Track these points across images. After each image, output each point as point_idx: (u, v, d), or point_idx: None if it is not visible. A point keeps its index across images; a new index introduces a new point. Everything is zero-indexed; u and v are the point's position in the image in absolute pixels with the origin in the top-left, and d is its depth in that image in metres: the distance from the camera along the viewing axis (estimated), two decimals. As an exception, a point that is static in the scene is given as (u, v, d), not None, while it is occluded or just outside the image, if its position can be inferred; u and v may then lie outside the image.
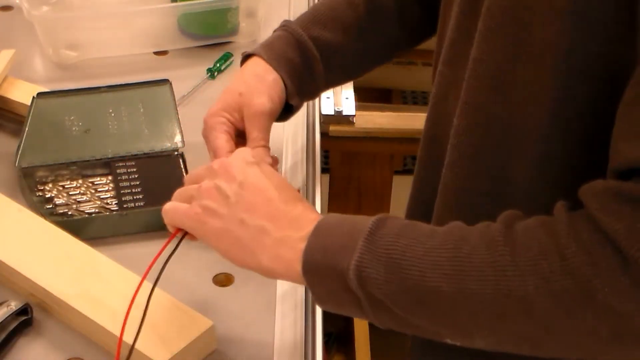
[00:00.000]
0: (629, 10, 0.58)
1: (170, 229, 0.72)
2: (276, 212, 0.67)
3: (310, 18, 0.91)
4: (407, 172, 1.62)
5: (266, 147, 0.83)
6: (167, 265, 0.82)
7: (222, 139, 0.81)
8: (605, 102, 0.61)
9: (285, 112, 0.89)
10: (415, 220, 0.65)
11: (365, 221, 0.64)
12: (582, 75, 0.62)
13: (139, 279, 0.76)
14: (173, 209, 0.71)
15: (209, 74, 1.15)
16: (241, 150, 0.75)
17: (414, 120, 1.38)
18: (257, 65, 0.87)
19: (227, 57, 1.18)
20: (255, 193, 0.68)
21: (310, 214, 0.67)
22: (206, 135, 0.83)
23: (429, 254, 0.60)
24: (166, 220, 0.72)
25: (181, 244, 0.85)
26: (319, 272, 0.64)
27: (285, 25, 0.90)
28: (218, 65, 1.16)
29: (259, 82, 0.85)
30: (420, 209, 0.81)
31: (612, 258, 0.55)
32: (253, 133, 0.83)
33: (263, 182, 0.69)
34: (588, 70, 0.62)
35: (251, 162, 0.71)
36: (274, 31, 0.91)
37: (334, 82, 0.96)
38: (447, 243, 0.61)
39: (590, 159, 0.65)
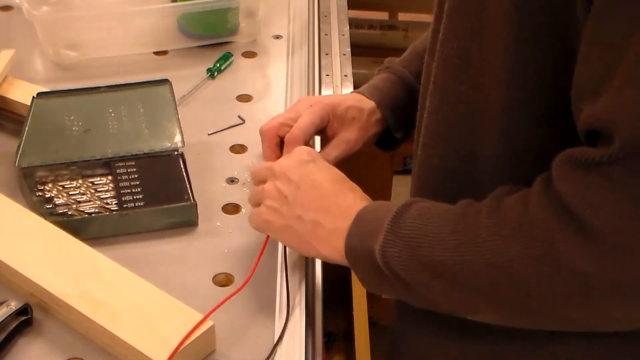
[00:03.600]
0: None
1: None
2: (328, 206, 0.75)
3: (410, 56, 0.98)
4: (407, 172, 1.62)
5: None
6: (167, 266, 0.83)
7: (313, 127, 0.90)
8: (559, 74, 0.64)
9: (393, 143, 0.98)
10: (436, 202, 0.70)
11: (393, 207, 0.70)
12: (533, 47, 0.64)
13: (139, 279, 0.77)
14: (251, 214, 0.81)
15: (209, 74, 1.15)
16: (298, 150, 0.81)
17: (413, 120, 1.38)
18: (374, 109, 0.94)
19: (227, 57, 1.18)
20: (309, 190, 0.76)
21: (358, 204, 0.74)
22: (297, 106, 0.92)
23: (437, 231, 0.66)
24: (253, 226, 0.82)
25: (181, 245, 0.86)
26: (357, 255, 0.71)
27: (389, 67, 0.97)
28: (218, 65, 1.16)
29: (371, 125, 0.93)
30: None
31: (570, 223, 0.58)
32: (337, 150, 0.91)
33: (317, 179, 0.77)
34: (538, 41, 0.64)
35: (306, 161, 0.79)
36: (377, 72, 0.99)
37: None
38: (451, 220, 0.66)
39: (551, 132, 0.67)
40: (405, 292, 0.69)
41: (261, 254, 0.81)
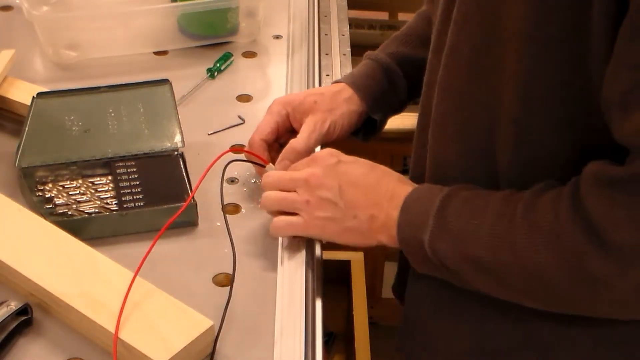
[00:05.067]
0: None
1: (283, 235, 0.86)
2: (376, 198, 0.78)
3: (388, 42, 1.00)
4: (407, 172, 1.62)
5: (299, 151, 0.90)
6: (167, 266, 0.83)
7: (269, 125, 0.92)
8: (569, 86, 0.66)
9: (372, 128, 0.98)
10: (474, 191, 0.74)
11: (436, 197, 0.74)
12: (545, 60, 0.66)
13: (139, 279, 0.77)
14: (289, 224, 0.82)
15: (209, 74, 1.15)
16: (320, 155, 0.83)
17: (413, 120, 1.38)
18: (342, 88, 0.95)
19: (227, 57, 1.18)
20: (353, 190, 0.80)
21: (400, 189, 0.78)
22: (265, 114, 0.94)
23: (478, 230, 0.71)
24: (282, 235, 0.85)
25: (181, 245, 0.86)
26: (409, 244, 0.76)
27: (367, 55, 0.99)
28: (218, 65, 1.16)
29: (337, 104, 0.93)
30: None
31: (595, 238, 0.63)
32: (303, 134, 0.90)
33: (354, 176, 0.80)
34: (550, 54, 0.66)
35: (334, 163, 0.82)
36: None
37: (419, 93, 0.99)
38: (489, 219, 0.70)
39: (563, 140, 0.69)
40: (454, 280, 0.76)
41: (200, 181, 0.85)
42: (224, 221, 0.84)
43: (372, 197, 0.79)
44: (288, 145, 0.90)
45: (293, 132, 0.93)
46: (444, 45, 0.75)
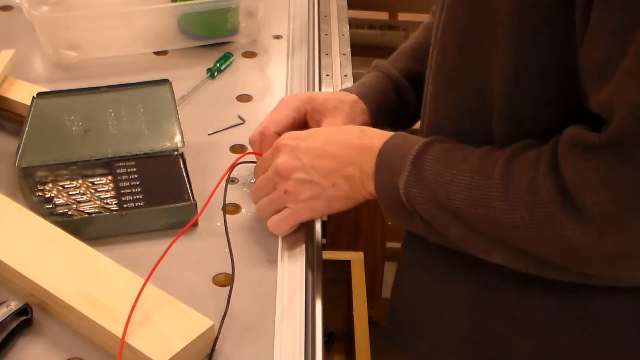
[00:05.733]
0: None
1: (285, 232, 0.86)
2: (347, 159, 0.79)
3: (397, 55, 1.01)
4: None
5: None
6: (167, 266, 0.83)
7: (286, 119, 0.92)
8: (557, 61, 0.67)
9: None
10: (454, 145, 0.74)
11: (415, 144, 0.74)
12: (533, 41, 0.67)
13: (139, 279, 0.77)
14: (282, 220, 0.84)
15: (209, 74, 1.15)
16: (278, 143, 0.84)
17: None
18: (357, 100, 0.95)
19: (227, 57, 1.18)
20: (322, 160, 0.80)
21: (371, 140, 0.78)
22: (279, 105, 0.94)
23: (454, 180, 0.71)
24: (282, 231, 0.85)
25: (181, 245, 0.86)
26: (386, 190, 0.76)
27: (376, 66, 1.00)
28: (218, 65, 1.16)
29: (356, 114, 0.94)
30: None
31: (569, 200, 0.63)
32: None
33: (318, 148, 0.81)
34: (538, 35, 0.67)
35: (294, 144, 0.82)
36: (367, 72, 1.00)
37: None
38: (468, 172, 0.70)
39: (552, 115, 0.70)
40: (426, 229, 0.75)
41: (217, 186, 0.86)
42: (224, 221, 0.84)
43: (343, 159, 0.79)
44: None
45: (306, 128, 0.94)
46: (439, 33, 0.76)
